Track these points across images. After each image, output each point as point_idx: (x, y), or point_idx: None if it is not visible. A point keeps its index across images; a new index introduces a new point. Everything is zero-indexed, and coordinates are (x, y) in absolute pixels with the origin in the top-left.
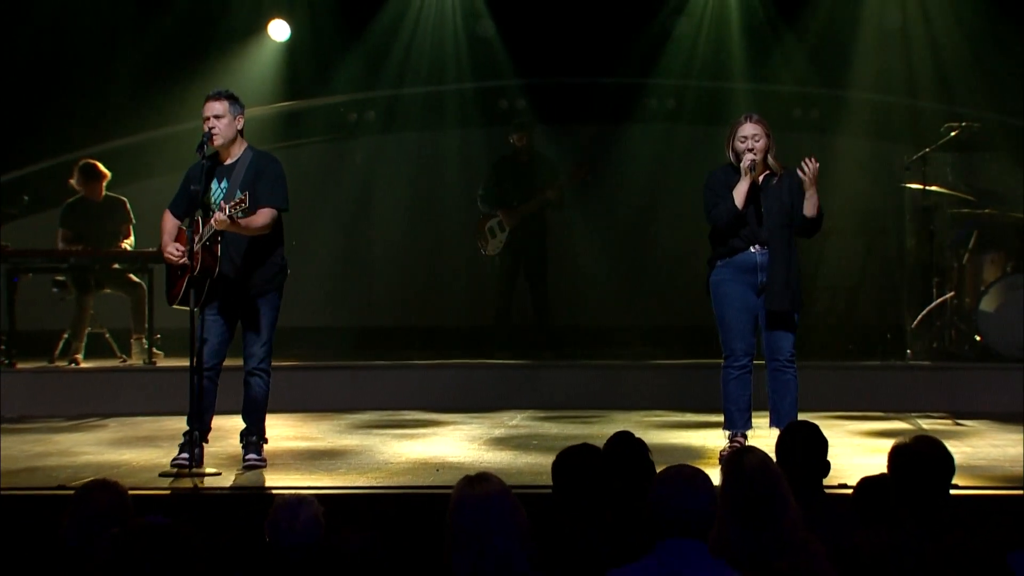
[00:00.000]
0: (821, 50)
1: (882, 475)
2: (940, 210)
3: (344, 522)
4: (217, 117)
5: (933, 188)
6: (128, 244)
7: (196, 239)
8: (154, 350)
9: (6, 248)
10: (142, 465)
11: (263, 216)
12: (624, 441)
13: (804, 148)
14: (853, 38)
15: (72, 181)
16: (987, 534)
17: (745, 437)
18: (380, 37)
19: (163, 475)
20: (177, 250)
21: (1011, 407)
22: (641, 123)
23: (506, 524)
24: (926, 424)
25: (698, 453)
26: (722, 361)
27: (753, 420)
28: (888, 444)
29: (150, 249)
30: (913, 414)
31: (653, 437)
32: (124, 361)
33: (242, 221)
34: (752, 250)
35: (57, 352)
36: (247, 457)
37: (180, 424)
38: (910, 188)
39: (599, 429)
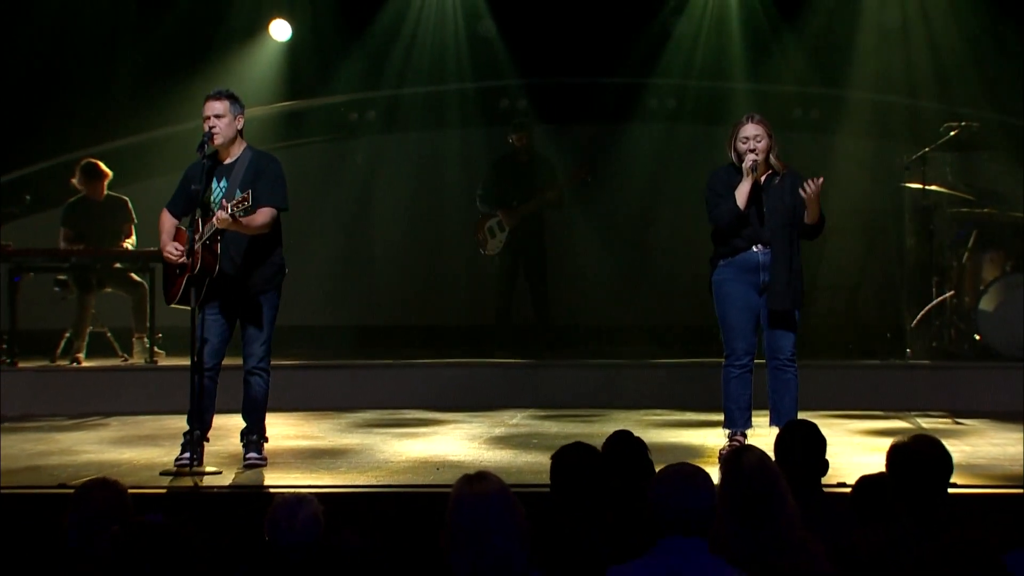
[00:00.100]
0: (821, 50)
1: (880, 474)
2: (940, 209)
3: (345, 521)
4: (218, 116)
5: (933, 188)
6: (130, 243)
7: (196, 238)
8: (155, 349)
9: (8, 247)
10: (143, 464)
11: (263, 215)
12: (623, 440)
13: (804, 148)
14: (853, 38)
15: (74, 180)
16: (985, 533)
17: (745, 436)
18: (381, 37)
19: (164, 474)
20: (176, 249)
21: (1010, 406)
22: (641, 123)
23: (505, 523)
24: (926, 423)
25: (698, 452)
26: (722, 360)
27: (753, 419)
28: (887, 443)
29: (151, 248)
30: (913, 413)
31: (653, 436)
32: (125, 360)
33: (243, 220)
34: (754, 249)
35: (59, 351)
36: (248, 456)
37: (181, 423)
38: (910, 188)
39: (599, 428)
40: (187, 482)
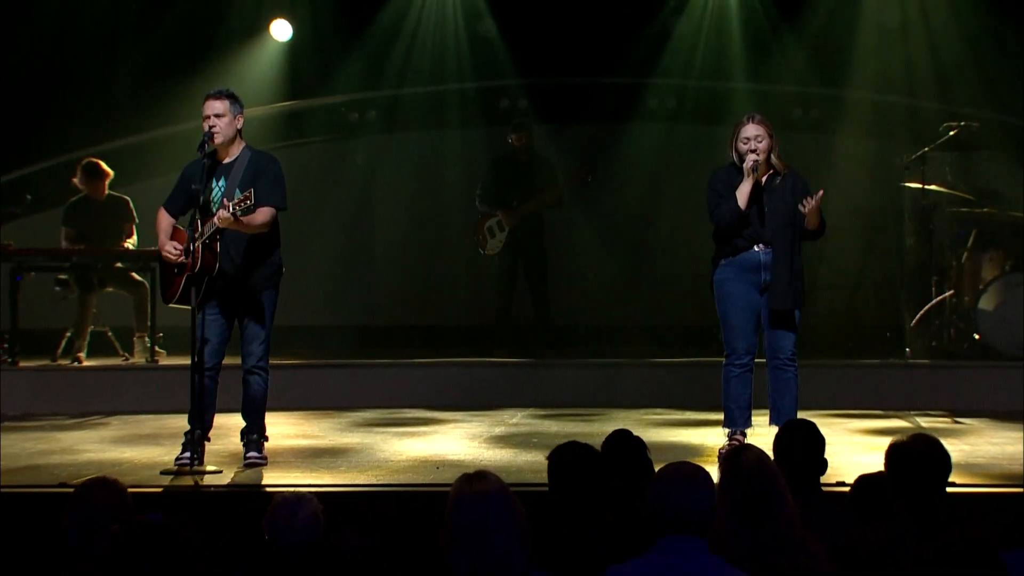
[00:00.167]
0: (821, 50)
1: (879, 473)
2: (939, 209)
3: (345, 520)
4: (218, 116)
5: (932, 187)
6: (131, 243)
7: (196, 237)
8: (156, 348)
9: (9, 247)
10: (144, 463)
11: (263, 215)
12: (622, 439)
13: (804, 148)
14: (853, 38)
15: (75, 180)
16: (984, 532)
17: (745, 435)
18: (381, 37)
19: (164, 473)
20: (175, 248)
21: (1010, 405)
22: (641, 123)
23: (505, 522)
24: (925, 422)
25: (697, 451)
26: (722, 359)
27: (753, 418)
28: (886, 442)
29: (152, 248)
30: (912, 412)
31: (653, 435)
32: (127, 359)
33: (244, 219)
34: (756, 249)
35: (60, 350)
36: (248, 455)
37: (182, 422)
38: (909, 187)
39: (599, 427)
40: (187, 481)
